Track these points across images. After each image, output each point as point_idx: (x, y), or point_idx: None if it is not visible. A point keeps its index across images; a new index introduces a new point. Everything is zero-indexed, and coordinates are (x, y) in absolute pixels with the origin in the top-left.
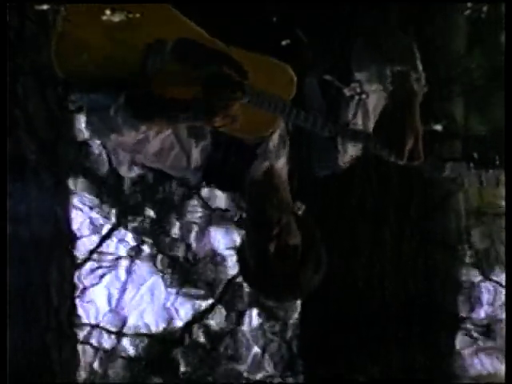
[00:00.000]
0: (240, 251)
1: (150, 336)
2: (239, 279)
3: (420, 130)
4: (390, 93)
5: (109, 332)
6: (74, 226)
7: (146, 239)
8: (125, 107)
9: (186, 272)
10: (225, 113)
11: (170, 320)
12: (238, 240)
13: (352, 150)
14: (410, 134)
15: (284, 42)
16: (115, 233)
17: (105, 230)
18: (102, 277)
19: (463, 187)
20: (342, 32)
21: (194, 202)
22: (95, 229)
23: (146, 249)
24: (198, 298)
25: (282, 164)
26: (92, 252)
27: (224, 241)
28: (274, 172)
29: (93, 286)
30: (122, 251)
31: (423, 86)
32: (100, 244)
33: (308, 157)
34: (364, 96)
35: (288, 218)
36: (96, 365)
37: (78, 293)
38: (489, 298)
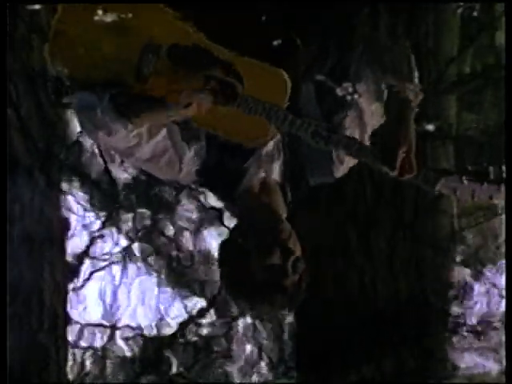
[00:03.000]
0: (235, 263)
1: (143, 336)
2: None
3: (413, 144)
4: (385, 105)
5: (101, 332)
6: (67, 226)
7: (139, 239)
8: (110, 106)
9: (178, 272)
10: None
11: (163, 320)
12: None
13: (348, 161)
14: (402, 147)
15: (275, 42)
16: (108, 233)
17: (97, 230)
18: (94, 277)
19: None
20: (339, 36)
21: (188, 202)
22: (88, 229)
23: (138, 248)
24: (190, 298)
25: (275, 172)
26: (84, 252)
27: (217, 241)
28: (267, 180)
29: (85, 286)
30: (115, 251)
31: (419, 98)
32: (92, 244)
33: (302, 166)
34: (356, 96)
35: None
36: (88, 365)
37: (70, 293)
38: (481, 298)
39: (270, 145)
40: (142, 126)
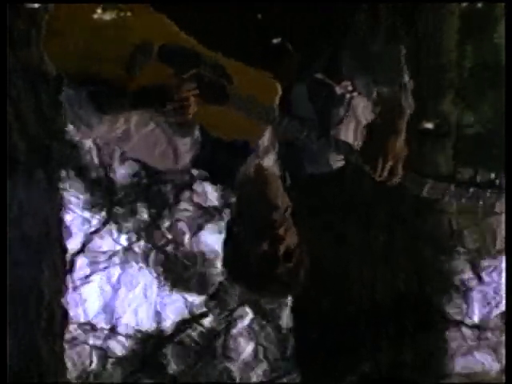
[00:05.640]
0: (233, 253)
1: (142, 334)
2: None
3: (403, 151)
4: (377, 110)
5: (101, 331)
6: (66, 225)
7: (139, 238)
8: (87, 101)
9: (178, 271)
10: (177, 103)
11: (162, 319)
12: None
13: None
14: (392, 154)
15: (275, 40)
16: (107, 231)
17: (97, 229)
18: (94, 276)
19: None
20: (332, 36)
21: (187, 200)
22: (87, 227)
23: (138, 247)
24: (190, 296)
25: (272, 162)
26: (83, 251)
27: (216, 239)
28: (264, 171)
29: (85, 284)
30: (114, 250)
31: (411, 103)
32: (92, 243)
33: (299, 156)
34: (355, 94)
35: (287, 218)
36: (88, 364)
37: (69, 292)
38: (480, 296)
39: (266, 136)
40: (117, 121)
